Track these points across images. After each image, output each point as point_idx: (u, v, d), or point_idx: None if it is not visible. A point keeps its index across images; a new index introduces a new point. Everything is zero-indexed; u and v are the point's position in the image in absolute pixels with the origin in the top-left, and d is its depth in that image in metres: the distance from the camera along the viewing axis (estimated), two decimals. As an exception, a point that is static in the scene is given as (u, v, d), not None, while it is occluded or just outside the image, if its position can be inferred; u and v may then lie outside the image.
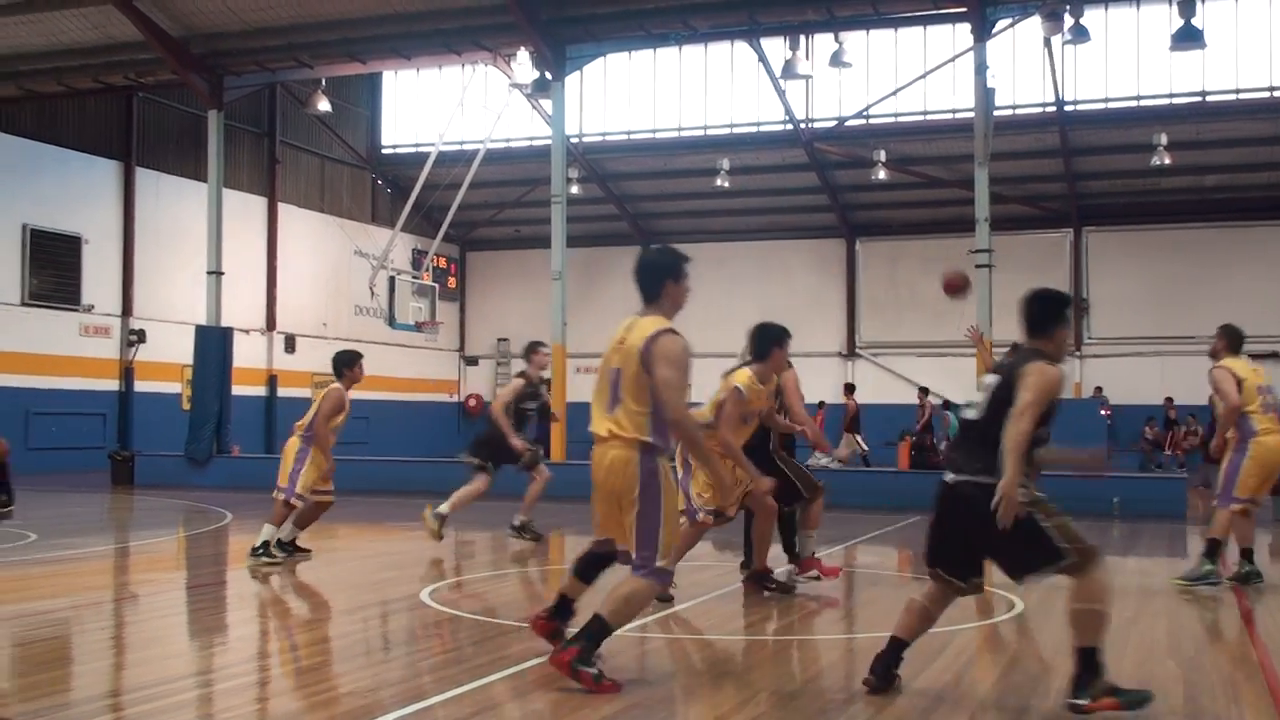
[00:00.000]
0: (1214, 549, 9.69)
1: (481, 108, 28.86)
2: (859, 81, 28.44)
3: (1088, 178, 29.87)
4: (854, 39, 25.91)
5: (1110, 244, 30.74)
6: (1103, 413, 26.77)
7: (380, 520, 15.41)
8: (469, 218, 32.25)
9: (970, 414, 5.65)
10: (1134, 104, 27.61)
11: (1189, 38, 21.71)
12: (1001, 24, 20.93)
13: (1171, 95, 27.21)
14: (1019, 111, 27.44)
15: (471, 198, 29.01)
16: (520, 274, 33.46)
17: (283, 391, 28.67)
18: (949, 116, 27.60)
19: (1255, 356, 30.86)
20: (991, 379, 5.72)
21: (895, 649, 5.82)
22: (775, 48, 26.16)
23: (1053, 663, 6.76)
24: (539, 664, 6.29)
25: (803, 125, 29.16)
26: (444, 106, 29.78)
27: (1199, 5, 21.67)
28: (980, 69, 19.15)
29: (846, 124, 28.93)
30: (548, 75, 21.77)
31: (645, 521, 5.77)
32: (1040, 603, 8.75)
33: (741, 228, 32.82)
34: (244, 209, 27.76)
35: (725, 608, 8.53)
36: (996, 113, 21.56)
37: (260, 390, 28.51)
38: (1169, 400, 27.70)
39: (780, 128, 29.48)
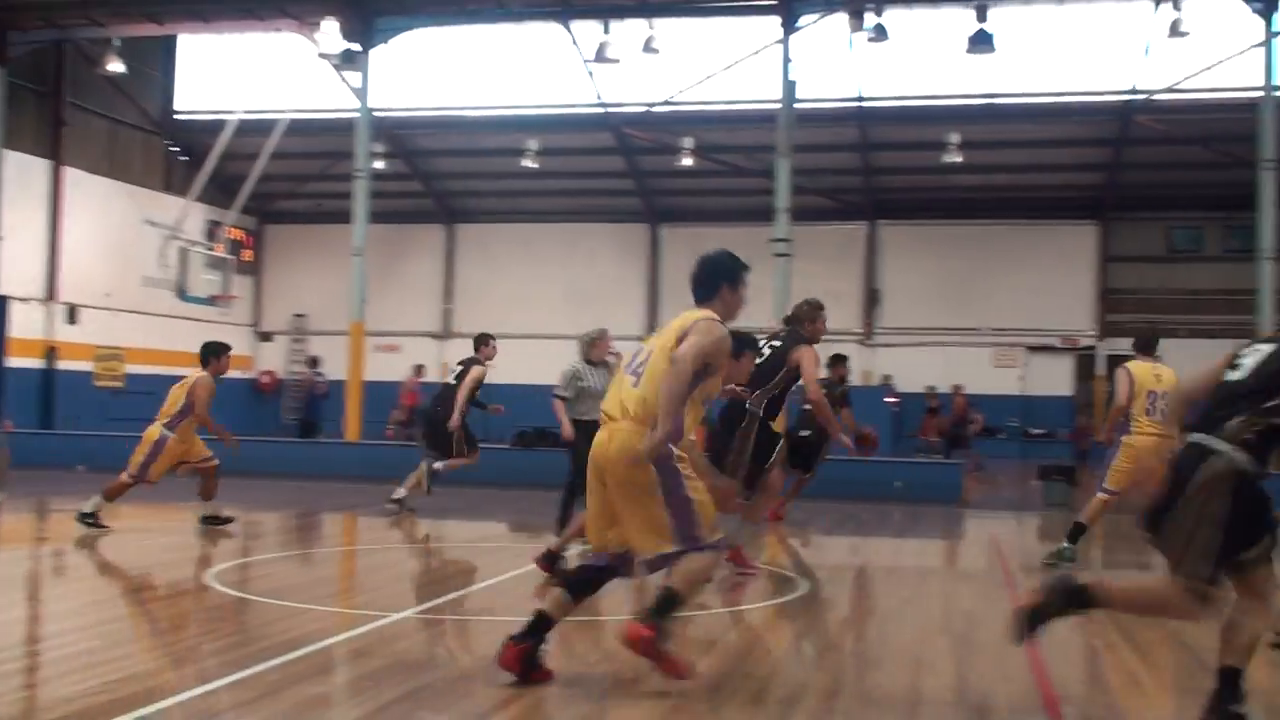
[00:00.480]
0: (1078, 531, 10.15)
1: (284, 77, 28.08)
2: (668, 69, 28.68)
3: (884, 173, 30.82)
4: (665, 26, 26.10)
5: (903, 237, 31.80)
6: (889, 400, 27.79)
7: (167, 500, 14.90)
8: (268, 190, 31.34)
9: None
10: (929, 103, 28.63)
11: (981, 41, 22.59)
12: (807, 19, 21.46)
13: (964, 96, 28.31)
14: (820, 105, 28.10)
15: (272, 169, 28.22)
16: (320, 249, 32.69)
17: (63, 364, 27.40)
18: (754, 107, 28.08)
19: (1033, 349, 32.38)
20: None
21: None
22: (587, 31, 26.18)
23: (839, 641, 6.99)
24: (323, 647, 6.19)
25: (611, 110, 29.28)
26: (245, 73, 28.85)
27: (992, 10, 22.54)
28: (785, 62, 19.56)
29: (654, 110, 29.18)
30: (355, 46, 21.32)
31: (676, 502, 5.44)
32: (823, 585, 9.02)
33: (548, 209, 32.79)
34: (25, 172, 26.35)
35: (521, 589, 8.55)
36: (799, 106, 22.07)
37: (38, 362, 27.18)
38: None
39: (589, 111, 29.54)
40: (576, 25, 26.08)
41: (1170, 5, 22.64)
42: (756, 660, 6.47)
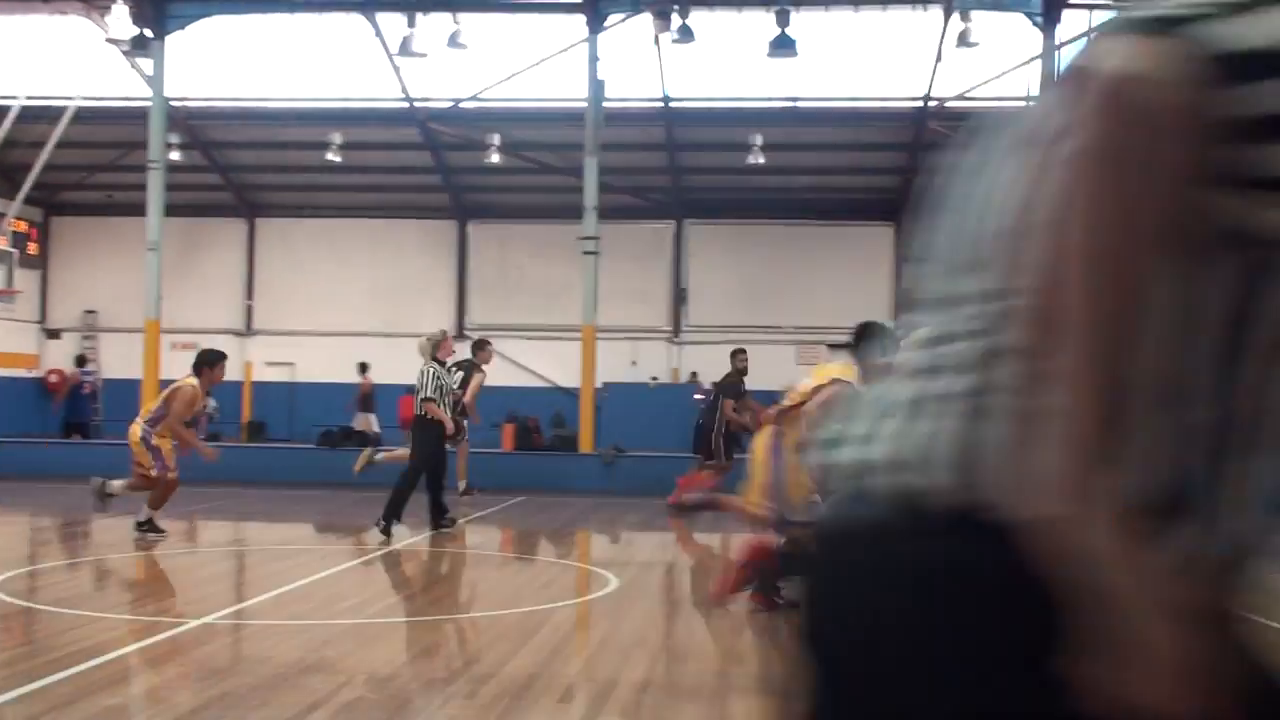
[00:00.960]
0: None
1: (73, 62, 26.83)
2: (476, 64, 28.49)
3: (690, 172, 31.25)
4: (471, 21, 25.89)
5: (709, 236, 32.30)
6: (697, 396, 28.15)
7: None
8: (56, 180, 29.91)
9: None
10: (733, 105, 29.18)
11: (783, 46, 23.11)
12: (613, 18, 21.60)
13: (767, 99, 28.93)
14: (628, 105, 28.31)
15: (59, 158, 26.94)
16: (113, 243, 31.37)
17: None
18: (562, 105, 28.12)
19: (834, 346, 33.08)
20: None
21: None
22: (392, 23, 25.78)
23: (645, 636, 7.06)
24: (118, 656, 5.96)
25: (418, 104, 28.91)
26: (29, 57, 27.41)
27: (794, 15, 23.06)
28: (592, 61, 19.64)
29: (461, 106, 28.95)
30: (147, 33, 20.53)
31: None
32: (632, 581, 9.10)
33: (353, 204, 32.18)
34: None
35: (326, 591, 8.38)
36: (607, 105, 22.22)
37: None
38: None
39: (395, 106, 29.11)
40: (381, 17, 25.69)
41: (959, 16, 23.56)
42: (567, 657, 6.49)
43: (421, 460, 11.28)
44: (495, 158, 28.90)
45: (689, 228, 32.37)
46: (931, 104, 27.97)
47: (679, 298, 32.20)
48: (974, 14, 23.01)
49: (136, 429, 11.13)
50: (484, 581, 9.28)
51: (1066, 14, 20.38)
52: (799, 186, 31.52)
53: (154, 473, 11.01)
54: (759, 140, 28.46)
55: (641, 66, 28.00)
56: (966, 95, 27.93)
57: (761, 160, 28.59)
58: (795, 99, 28.82)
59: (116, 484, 11.48)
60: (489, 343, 14.65)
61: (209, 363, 11.06)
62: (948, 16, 24.66)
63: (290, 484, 16.56)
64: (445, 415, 11.15)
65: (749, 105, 29.07)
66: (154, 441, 10.97)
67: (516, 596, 8.35)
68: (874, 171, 31.05)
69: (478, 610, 7.72)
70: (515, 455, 18.68)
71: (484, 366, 15.00)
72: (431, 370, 11.16)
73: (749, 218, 31.98)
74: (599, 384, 20.94)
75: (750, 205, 31.95)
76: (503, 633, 6.82)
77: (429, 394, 11.07)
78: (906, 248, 32.11)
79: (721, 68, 28.53)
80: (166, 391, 11.32)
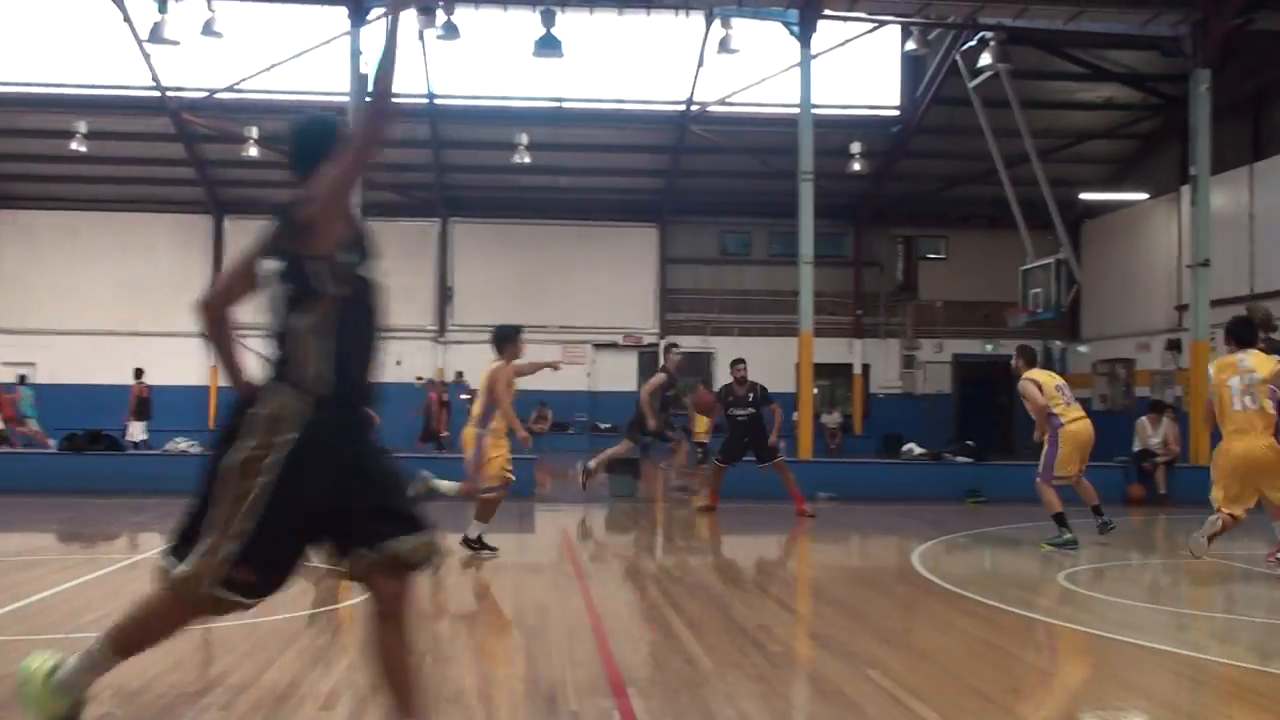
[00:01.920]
0: (1061, 519, 11.24)
1: None
2: (233, 54, 27.51)
3: (455, 170, 31.03)
4: (228, 9, 25.01)
5: (474, 235, 32.15)
6: (464, 396, 27.96)
7: None
8: None
9: None
10: (499, 104, 29.08)
11: (549, 46, 23.17)
12: (376, 11, 21.22)
13: (533, 99, 28.97)
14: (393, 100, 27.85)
15: None
16: None
17: None
18: (323, 99, 27.46)
19: (600, 346, 33.45)
20: None
21: None
22: (142, 8, 24.68)
23: (411, 639, 6.96)
24: None
25: (170, 94, 27.77)
26: None
27: (559, 16, 23.16)
28: (355, 54, 19.27)
29: (217, 97, 27.96)
30: None
31: None
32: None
33: (100, 196, 30.69)
34: None
35: (71, 603, 7.96)
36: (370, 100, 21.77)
37: None
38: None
39: (145, 94, 27.88)
40: (130, 2, 24.58)
41: (720, 23, 24.11)
42: (330, 663, 6.34)
43: None
44: (253, 151, 28.03)
45: (454, 226, 32.14)
46: (694, 108, 28.54)
47: (445, 297, 31.94)
48: (734, 21, 23.57)
49: (472, 432, 10.72)
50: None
51: (822, 24, 21.07)
52: (565, 186, 31.69)
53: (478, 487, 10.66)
54: (525, 140, 28.49)
55: (405, 62, 27.61)
56: (727, 100, 28.62)
57: (527, 160, 28.62)
58: (561, 99, 28.96)
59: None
60: (676, 345, 15.51)
61: (508, 338, 10.75)
62: (709, 23, 25.22)
63: (31, 491, 15.67)
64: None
65: (515, 104, 29.06)
66: (486, 443, 10.65)
67: (274, 604, 8.11)
68: (638, 173, 31.47)
69: (234, 618, 7.47)
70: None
71: (669, 369, 16.73)
72: None
73: (515, 217, 31.98)
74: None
75: (516, 204, 31.95)
76: (261, 641, 6.62)
77: None
78: (670, 247, 32.70)
79: (487, 66, 28.43)
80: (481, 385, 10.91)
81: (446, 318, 31.96)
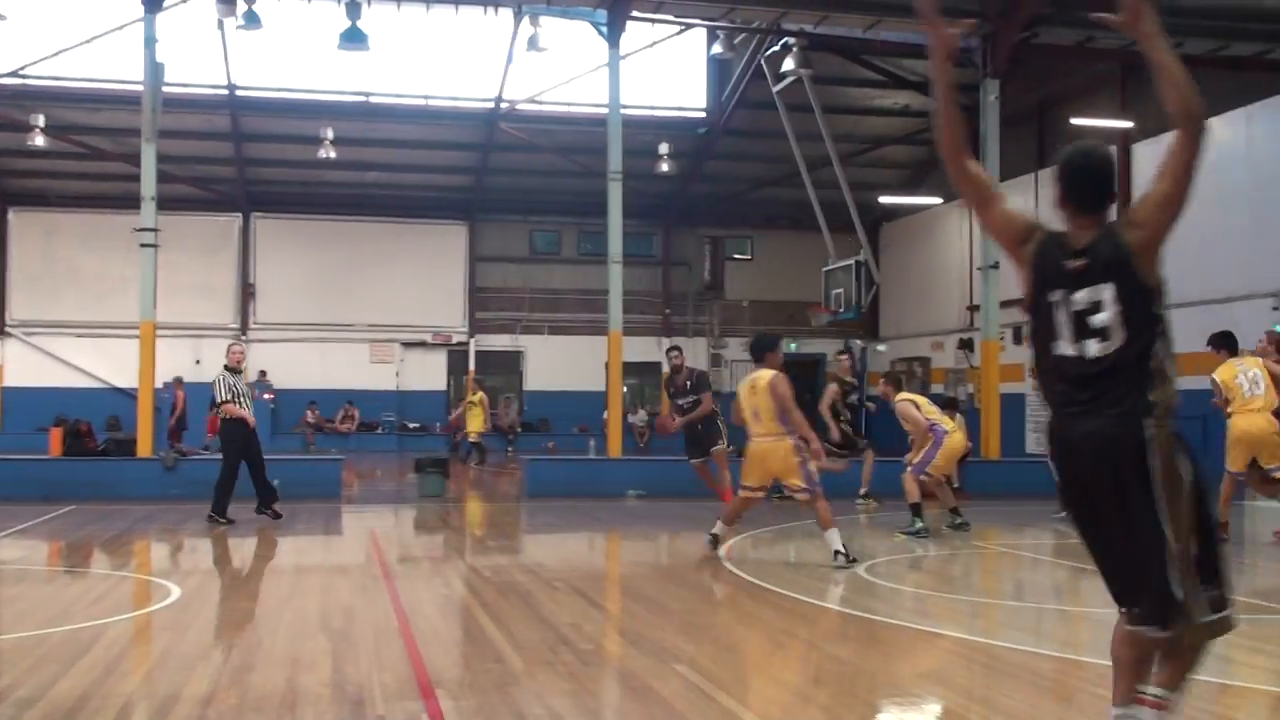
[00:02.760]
0: (918, 509, 12.22)
1: None
2: (17, 38, 26.18)
3: (258, 164, 30.22)
4: (9, -9, 23.76)
5: (279, 231, 31.37)
6: (266, 397, 27.34)
7: None
8: None
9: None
10: (304, 97, 28.41)
11: (355, 39, 22.73)
12: (172, -1, 20.48)
13: (339, 92, 28.40)
14: (191, 91, 26.98)
15: None
16: None
17: None
18: (117, 87, 26.37)
19: (408, 345, 33.03)
20: None
21: None
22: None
23: (209, 648, 6.77)
24: None
25: (-53, 79, 26.27)
26: None
27: (365, 9, 22.75)
28: (149, 41, 18.54)
29: (1, 83, 26.58)
30: None
31: None
32: (196, 590, 8.70)
33: None
34: None
35: None
36: (166, 89, 20.99)
37: None
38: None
39: (-81, 78, 26.32)
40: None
41: (529, 21, 24.06)
42: (124, 674, 6.11)
43: (233, 456, 13.32)
44: (40, 140, 26.76)
45: (257, 222, 31.32)
46: (503, 105, 28.43)
47: (247, 294, 31.08)
48: (543, 19, 23.55)
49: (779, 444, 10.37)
50: (25, 599, 8.58)
51: (631, 25, 21.23)
52: (372, 182, 31.21)
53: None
54: (330, 134, 27.92)
55: (205, 51, 26.77)
56: (537, 99, 28.60)
57: (333, 155, 28.06)
58: (368, 94, 28.49)
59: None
60: (849, 350, 14.78)
61: (770, 348, 10.73)
62: (518, 20, 25.15)
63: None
64: (244, 412, 13.19)
65: (320, 98, 28.44)
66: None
67: (65, 613, 7.78)
68: (447, 170, 31.21)
69: (20, 630, 7.12)
70: (64, 462, 17.30)
71: (840, 376, 16.53)
72: (222, 377, 13.23)
73: (321, 213, 31.35)
74: (159, 384, 19.80)
75: (322, 200, 31.31)
76: (49, 653, 6.34)
77: (223, 397, 13.12)
78: (479, 246, 32.49)
79: (292, 58, 27.77)
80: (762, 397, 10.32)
81: (249, 316, 31.11)
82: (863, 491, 16.14)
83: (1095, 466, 3.80)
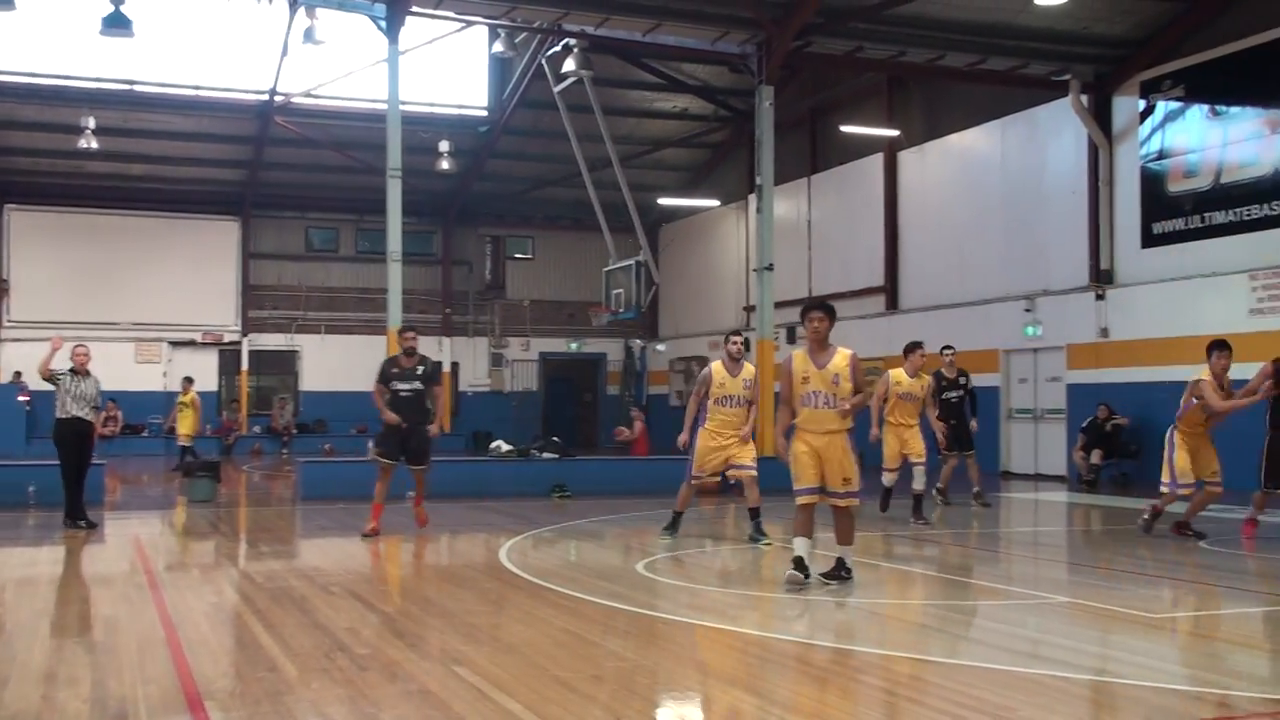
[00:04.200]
0: (676, 520, 11.96)
1: None
2: None
3: (12, 153, 28.71)
4: None
5: (34, 224, 29.87)
6: (22, 399, 25.96)
7: None
8: None
9: None
10: (62, 83, 27.04)
11: (118, 24, 21.76)
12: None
13: (101, 80, 27.14)
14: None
15: None
16: None
17: None
18: None
19: (177, 344, 32.01)
20: None
21: None
22: None
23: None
24: None
25: None
26: None
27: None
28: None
29: None
30: None
31: None
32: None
33: None
34: None
35: None
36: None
37: None
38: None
39: None
40: None
41: (305, 12, 23.50)
42: None
43: (65, 457, 13.30)
44: None
45: (10, 214, 29.79)
46: (278, 99, 27.69)
47: (1, 290, 29.46)
48: (320, 12, 23.07)
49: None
50: None
51: (411, 21, 20.97)
52: (138, 175, 30.02)
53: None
54: (91, 123, 26.67)
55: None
56: (313, 93, 27.96)
57: (95, 145, 26.81)
58: (133, 82, 27.33)
59: None
60: (917, 346, 13.82)
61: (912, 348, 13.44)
62: (293, 11, 24.53)
63: None
64: (87, 414, 13.26)
65: (80, 84, 27.12)
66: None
67: None
68: (218, 163, 30.27)
69: None
70: None
71: (941, 371, 15.50)
72: (63, 376, 13.22)
73: (82, 206, 30.00)
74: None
75: (84, 193, 29.95)
76: None
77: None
78: (253, 242, 31.58)
79: (50, 42, 26.44)
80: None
81: (2, 313, 29.48)
82: (936, 488, 15.36)
83: None
